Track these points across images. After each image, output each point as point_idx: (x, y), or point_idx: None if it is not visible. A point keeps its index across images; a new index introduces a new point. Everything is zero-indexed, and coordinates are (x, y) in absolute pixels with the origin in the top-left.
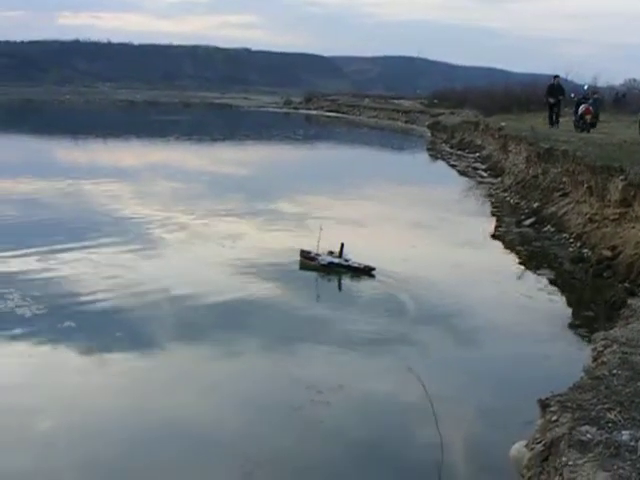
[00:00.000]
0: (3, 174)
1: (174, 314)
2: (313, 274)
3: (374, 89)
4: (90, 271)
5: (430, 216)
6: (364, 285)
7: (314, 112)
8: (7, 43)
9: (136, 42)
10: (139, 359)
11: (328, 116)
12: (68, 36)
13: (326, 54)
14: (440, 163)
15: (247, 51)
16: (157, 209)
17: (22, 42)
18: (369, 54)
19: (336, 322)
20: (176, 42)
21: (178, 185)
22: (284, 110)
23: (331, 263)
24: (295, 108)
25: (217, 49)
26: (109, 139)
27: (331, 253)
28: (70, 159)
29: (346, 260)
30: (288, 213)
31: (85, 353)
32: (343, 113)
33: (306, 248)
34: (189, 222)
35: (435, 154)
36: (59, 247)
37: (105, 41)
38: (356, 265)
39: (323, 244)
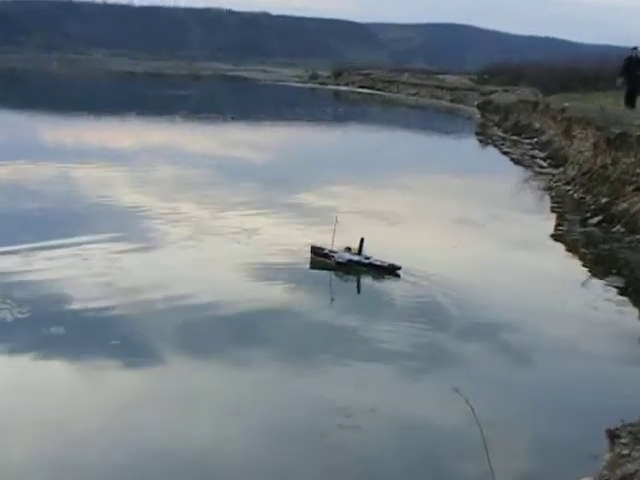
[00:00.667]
0: None
1: (178, 325)
2: (327, 274)
3: (415, 62)
4: (80, 273)
5: (478, 212)
6: (391, 288)
7: (344, 88)
8: None
9: (137, 3)
10: (136, 378)
11: (360, 93)
12: None
13: (360, 20)
14: (491, 150)
15: (266, 15)
16: (158, 199)
17: (4, 2)
18: (410, 21)
19: (364, 333)
20: (183, 4)
21: (183, 171)
22: (309, 85)
23: (350, 261)
24: (322, 83)
25: (231, 13)
26: (103, 116)
27: (348, 250)
28: (57, 139)
29: (366, 258)
30: (311, 206)
31: (73, 369)
32: (378, 90)
33: (318, 244)
34: (195, 215)
35: (485, 139)
36: (43, 244)
37: (100, 1)
38: (379, 263)
39: (343, 240)
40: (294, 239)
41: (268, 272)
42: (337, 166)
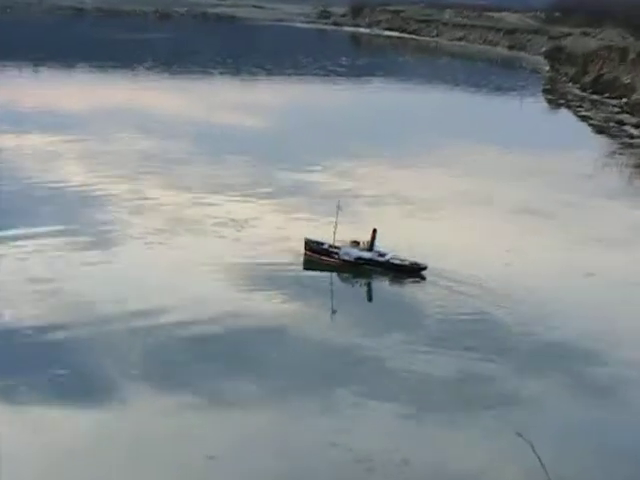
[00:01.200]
0: None
1: (142, 350)
2: (328, 276)
3: None
4: (14, 278)
5: (545, 197)
6: (421, 297)
7: (365, 31)
8: None
9: None
10: (88, 422)
11: (388, 37)
12: None
13: None
14: (563, 113)
15: None
16: (118, 179)
17: None
18: None
19: (389, 360)
20: None
21: (152, 142)
22: (318, 26)
23: (360, 259)
24: (336, 24)
25: None
26: (43, 69)
27: (356, 244)
28: None
29: (381, 255)
30: (319, 188)
31: (2, 408)
32: (411, 33)
33: (313, 237)
34: (167, 200)
35: (556, 99)
36: None
37: None
38: (398, 262)
39: (357, 234)
40: (295, 233)
41: (260, 277)
42: (355, 136)
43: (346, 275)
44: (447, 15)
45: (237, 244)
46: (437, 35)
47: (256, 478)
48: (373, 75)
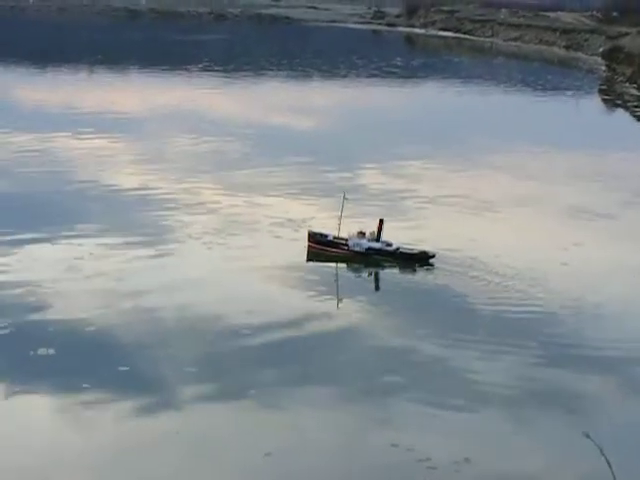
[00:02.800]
0: None
1: (202, 353)
2: (334, 268)
3: None
4: (70, 276)
5: (604, 199)
6: (473, 296)
7: (420, 31)
8: None
9: None
10: (148, 418)
11: (442, 37)
12: None
13: None
14: (620, 114)
15: None
16: (173, 180)
17: None
18: None
19: (446, 361)
20: None
21: (206, 143)
22: (372, 27)
23: (370, 249)
24: (390, 24)
25: None
26: (97, 70)
27: (362, 235)
28: (38, 100)
29: (388, 244)
30: (374, 189)
31: (59, 407)
32: (466, 33)
33: (317, 229)
34: (223, 200)
35: (612, 99)
36: (23, 238)
37: None
38: (408, 251)
39: (415, 233)
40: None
41: (319, 278)
42: (409, 137)
43: (356, 266)
44: (502, 15)
45: (294, 244)
46: (492, 35)
47: (320, 475)
48: (428, 76)
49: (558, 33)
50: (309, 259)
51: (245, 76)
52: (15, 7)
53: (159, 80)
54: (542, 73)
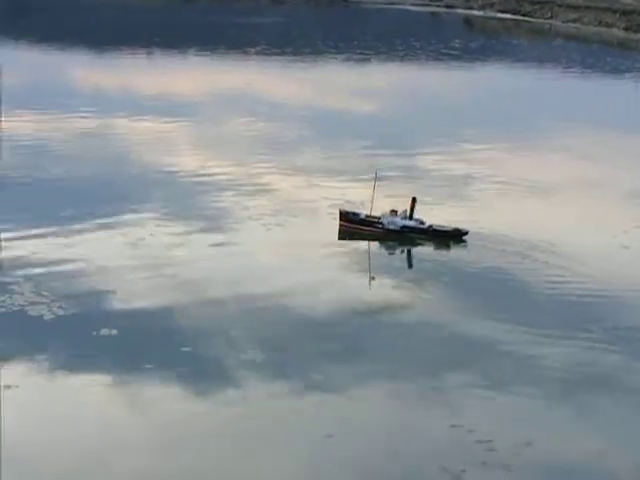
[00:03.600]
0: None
1: (261, 333)
2: (363, 245)
3: None
4: (132, 259)
5: None
6: (525, 278)
7: (478, 13)
8: None
9: None
10: (207, 400)
11: (501, 19)
12: None
13: None
14: None
15: None
16: (233, 163)
17: None
18: None
19: (501, 344)
20: None
21: (265, 126)
22: (430, 9)
23: (405, 227)
24: (448, 6)
25: None
26: (155, 53)
27: (394, 213)
28: (96, 82)
29: (422, 222)
30: (435, 172)
31: (121, 390)
32: (524, 15)
33: (347, 208)
34: (282, 184)
35: None
36: (86, 224)
37: None
38: (441, 229)
39: (476, 216)
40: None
41: (375, 260)
42: (468, 119)
43: (391, 243)
44: None
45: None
46: (551, 17)
47: (381, 456)
48: (486, 58)
49: (618, 14)
50: (341, 237)
51: (303, 59)
52: None
53: (217, 63)
54: (601, 55)
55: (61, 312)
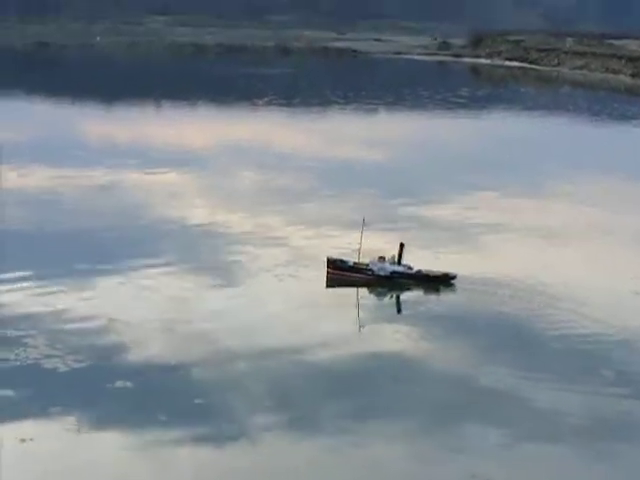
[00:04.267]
0: (11, 158)
1: (273, 381)
2: (351, 292)
3: (580, 24)
4: (144, 310)
5: None
6: (537, 326)
7: (486, 61)
8: None
9: None
10: (223, 451)
11: (508, 67)
12: None
13: None
14: None
15: None
16: (242, 214)
17: None
18: None
19: (512, 391)
20: None
21: (272, 176)
22: (438, 58)
23: (394, 273)
24: (455, 55)
25: None
26: (165, 104)
27: (382, 259)
28: (106, 135)
29: (409, 267)
30: (446, 221)
31: (137, 441)
32: (531, 62)
33: (334, 256)
34: (292, 234)
35: None
36: (93, 273)
37: None
38: (430, 273)
39: (489, 263)
40: (431, 265)
41: (391, 311)
42: (476, 167)
43: (382, 290)
44: (568, 44)
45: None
46: (558, 64)
47: None
48: (494, 106)
49: (624, 61)
50: (329, 285)
51: (311, 109)
52: (84, 44)
53: (225, 114)
54: (608, 102)
55: (75, 365)
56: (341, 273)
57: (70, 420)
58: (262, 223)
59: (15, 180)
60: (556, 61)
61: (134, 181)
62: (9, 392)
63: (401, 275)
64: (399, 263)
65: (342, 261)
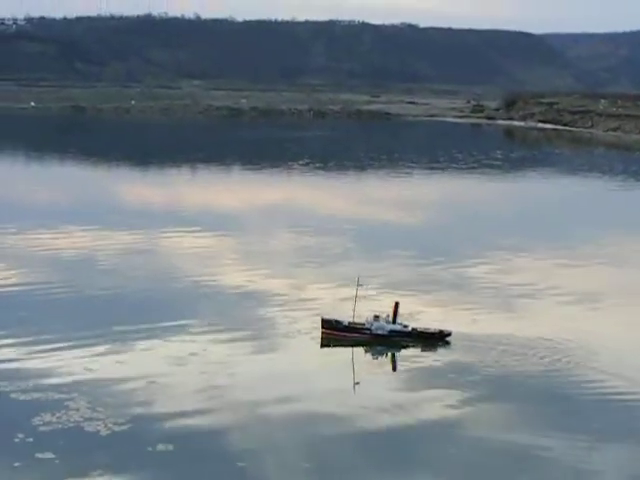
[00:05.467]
0: (45, 221)
1: (309, 445)
2: (345, 352)
3: (615, 85)
4: (182, 372)
5: None
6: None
7: (519, 123)
8: (43, 21)
9: (239, 17)
10: None
11: (541, 129)
12: (134, 10)
13: (536, 31)
14: None
15: (412, 28)
16: (276, 277)
17: (65, 19)
18: (606, 29)
19: (566, 458)
20: (302, 16)
21: (308, 239)
22: (471, 121)
23: (392, 332)
24: (489, 117)
25: (364, 25)
26: (200, 168)
27: (376, 318)
28: (141, 198)
29: (405, 326)
30: (481, 282)
31: None
32: (565, 125)
33: (328, 317)
34: (327, 297)
35: None
36: (131, 335)
37: (192, 16)
38: (426, 331)
39: (523, 325)
40: (465, 327)
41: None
42: (510, 229)
43: (381, 349)
44: (601, 105)
45: None
46: (592, 126)
47: None
48: (528, 168)
49: None
50: (324, 345)
51: (345, 171)
52: (119, 108)
53: (261, 177)
54: None
55: (116, 428)
56: (336, 333)
57: None
58: (296, 284)
59: (52, 243)
60: (590, 123)
61: (169, 242)
62: (49, 454)
63: (398, 333)
64: (394, 322)
65: (337, 321)
